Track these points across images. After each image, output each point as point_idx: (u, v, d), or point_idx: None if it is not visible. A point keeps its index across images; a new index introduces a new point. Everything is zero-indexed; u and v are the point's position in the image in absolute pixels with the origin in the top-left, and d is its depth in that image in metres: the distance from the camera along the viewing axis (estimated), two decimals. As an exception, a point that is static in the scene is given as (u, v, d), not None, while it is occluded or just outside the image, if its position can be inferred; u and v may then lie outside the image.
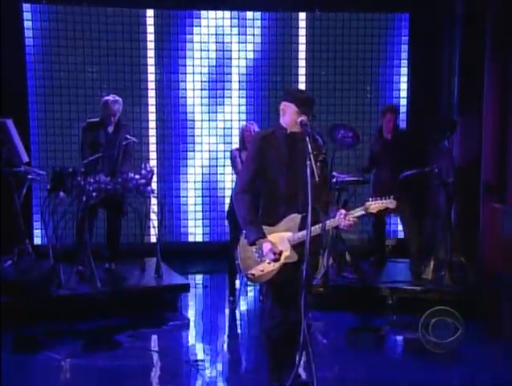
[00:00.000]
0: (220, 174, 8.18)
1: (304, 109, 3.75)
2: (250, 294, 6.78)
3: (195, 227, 8.23)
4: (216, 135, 8.15)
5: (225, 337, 5.74)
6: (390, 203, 3.81)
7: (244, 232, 3.83)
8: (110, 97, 6.45)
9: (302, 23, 8.05)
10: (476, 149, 6.91)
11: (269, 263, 3.77)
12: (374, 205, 3.80)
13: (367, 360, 4.96)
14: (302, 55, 8.08)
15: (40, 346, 5.12)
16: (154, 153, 8.05)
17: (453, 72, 7.52)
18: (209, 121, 8.12)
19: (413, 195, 6.49)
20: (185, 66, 8.00)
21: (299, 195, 3.74)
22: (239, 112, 8.12)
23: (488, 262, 6.57)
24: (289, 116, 3.79)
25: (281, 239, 3.78)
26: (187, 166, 8.16)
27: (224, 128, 8.14)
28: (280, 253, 3.75)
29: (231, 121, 8.13)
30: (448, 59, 7.68)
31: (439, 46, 7.82)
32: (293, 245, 3.77)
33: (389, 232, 7.82)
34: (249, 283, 6.57)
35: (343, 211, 3.76)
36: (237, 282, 6.52)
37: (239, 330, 5.97)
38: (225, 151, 7.99)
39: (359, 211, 3.80)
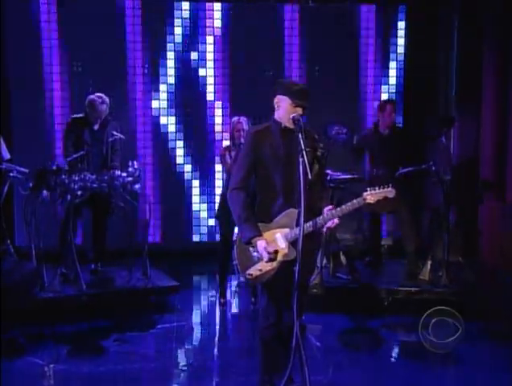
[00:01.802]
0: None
1: (299, 102, 3.63)
2: (241, 296, 6.63)
3: (184, 227, 8.07)
4: (206, 132, 8.03)
5: (216, 340, 5.65)
6: (388, 191, 3.66)
7: (239, 230, 3.71)
8: (97, 98, 6.21)
9: (294, 15, 7.92)
10: (475, 147, 6.86)
11: (267, 262, 3.62)
12: (372, 195, 3.62)
13: (362, 363, 4.90)
14: (295, 48, 7.95)
15: (22, 350, 5.03)
16: (142, 150, 7.88)
17: (451, 68, 7.43)
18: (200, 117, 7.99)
19: (409, 192, 6.38)
20: (173, 59, 7.86)
21: (295, 190, 3.60)
22: (230, 108, 7.98)
23: (486, 261, 6.49)
24: (283, 110, 3.67)
25: (278, 236, 3.64)
26: (176, 164, 7.99)
27: (214, 124, 8.00)
28: (275, 252, 3.62)
29: (222, 116, 7.99)
30: (445, 54, 7.64)
31: (436, 40, 7.78)
32: (291, 242, 3.62)
33: (385, 231, 7.69)
34: (240, 284, 6.46)
35: (327, 208, 3.63)
36: (228, 284, 6.43)
37: (230, 333, 5.90)
38: (215, 148, 7.87)
39: (357, 203, 3.63)
